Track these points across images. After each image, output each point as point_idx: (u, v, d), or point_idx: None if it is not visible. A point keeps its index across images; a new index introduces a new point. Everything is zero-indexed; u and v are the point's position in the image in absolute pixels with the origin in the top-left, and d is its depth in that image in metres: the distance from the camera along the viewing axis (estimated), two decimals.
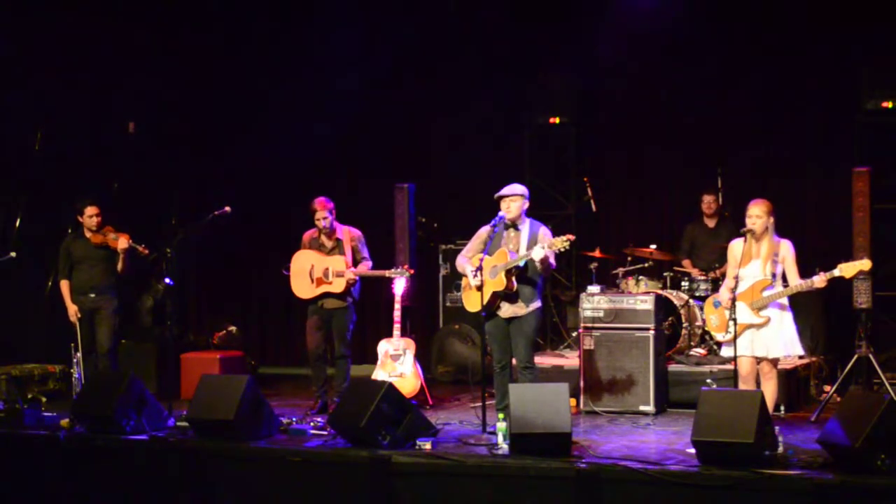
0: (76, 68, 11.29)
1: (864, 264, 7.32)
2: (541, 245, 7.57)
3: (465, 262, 7.96)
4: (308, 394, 9.34)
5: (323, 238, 9.01)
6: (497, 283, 7.73)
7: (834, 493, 6.15)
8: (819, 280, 7.29)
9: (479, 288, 7.70)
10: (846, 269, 7.25)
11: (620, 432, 8.02)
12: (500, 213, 7.83)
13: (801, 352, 7.65)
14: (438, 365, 11.05)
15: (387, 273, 9.03)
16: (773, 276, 7.48)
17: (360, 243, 9.07)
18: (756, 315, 7.44)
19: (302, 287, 8.99)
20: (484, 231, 7.95)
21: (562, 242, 7.50)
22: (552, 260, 7.68)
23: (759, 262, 7.49)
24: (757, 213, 7.48)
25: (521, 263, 7.69)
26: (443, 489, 6.87)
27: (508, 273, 7.70)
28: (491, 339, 7.96)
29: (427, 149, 12.04)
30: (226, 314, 12.28)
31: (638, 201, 11.60)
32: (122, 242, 9.04)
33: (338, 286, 8.86)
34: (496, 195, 7.88)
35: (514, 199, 7.81)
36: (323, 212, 8.92)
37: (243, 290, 12.60)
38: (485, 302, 7.78)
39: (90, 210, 9.17)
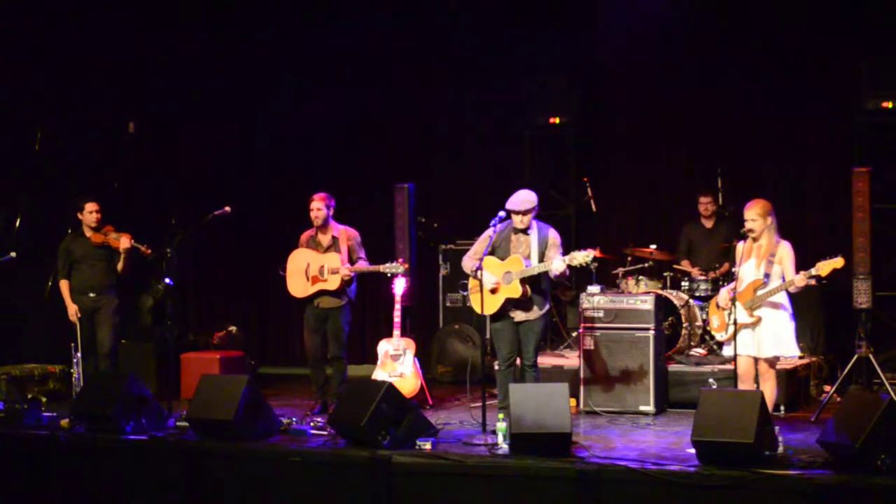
0: (76, 68, 11.29)
1: (837, 262, 7.25)
2: (561, 258, 7.60)
3: (474, 263, 7.92)
4: (308, 394, 9.33)
5: (319, 236, 8.99)
6: (512, 289, 7.74)
7: (834, 493, 6.15)
8: (799, 279, 7.26)
9: (493, 291, 7.70)
10: (822, 268, 7.22)
11: (620, 432, 8.03)
12: (500, 214, 7.82)
13: (795, 353, 7.61)
14: (438, 365, 11.05)
15: (381, 268, 8.96)
16: (767, 276, 7.43)
17: (357, 244, 9.04)
18: (748, 315, 7.43)
19: (297, 286, 8.96)
20: (486, 234, 7.93)
21: (584, 258, 7.55)
22: (568, 271, 7.72)
23: (754, 261, 7.49)
24: (752, 217, 7.46)
25: (537, 272, 7.71)
26: (443, 489, 6.87)
27: (523, 281, 7.71)
28: (499, 337, 7.96)
29: (427, 149, 12.05)
30: (226, 314, 12.28)
31: (638, 201, 11.59)
32: (125, 242, 9.05)
33: (333, 283, 8.83)
34: (511, 210, 7.80)
35: (529, 213, 7.80)
36: (319, 203, 8.90)
37: (243, 290, 12.60)
38: (497, 306, 7.80)
39: (90, 206, 9.17)
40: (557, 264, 7.58)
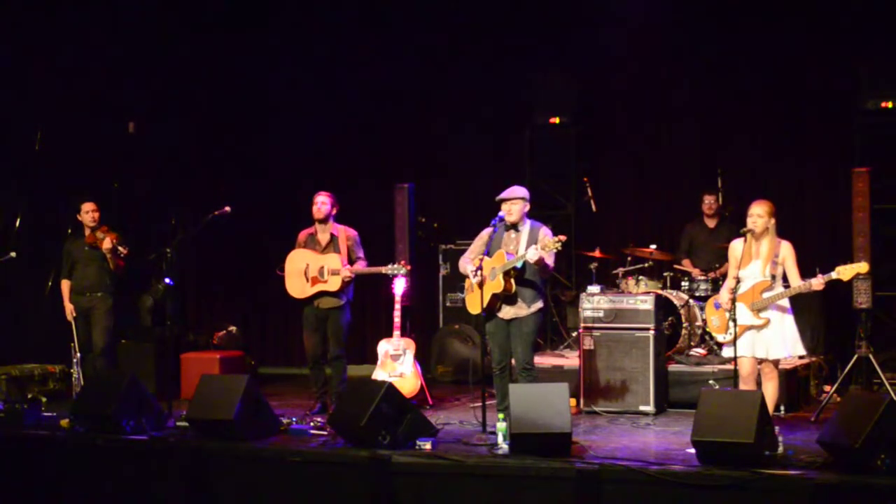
0: (76, 68, 11.29)
1: (861, 267, 7.29)
2: (534, 246, 7.58)
3: (468, 263, 7.97)
4: (308, 394, 9.33)
5: (318, 235, 8.99)
6: (495, 284, 7.73)
7: (834, 493, 6.14)
8: (817, 282, 7.27)
9: (480, 285, 7.72)
10: (843, 272, 7.22)
11: (620, 432, 8.03)
12: (500, 214, 7.84)
13: (802, 351, 7.63)
14: (438, 365, 11.05)
15: (383, 270, 8.97)
16: (773, 277, 7.46)
17: (356, 243, 9.03)
18: (756, 317, 7.43)
19: (297, 287, 8.95)
20: (485, 232, 7.98)
21: (553, 243, 7.48)
22: (548, 261, 7.68)
23: (759, 262, 7.48)
24: (759, 213, 7.47)
25: (519, 265, 7.69)
26: (443, 489, 6.86)
27: (506, 275, 7.70)
28: (491, 340, 7.96)
29: (427, 149, 12.05)
30: (226, 314, 12.28)
31: (638, 201, 11.59)
32: (107, 242, 9.09)
33: (333, 284, 8.83)
34: (497, 198, 7.88)
35: (515, 202, 7.81)
36: (324, 197, 8.91)
37: (243, 289, 12.60)
38: (484, 303, 7.78)
39: (86, 206, 9.22)
40: (531, 253, 7.55)
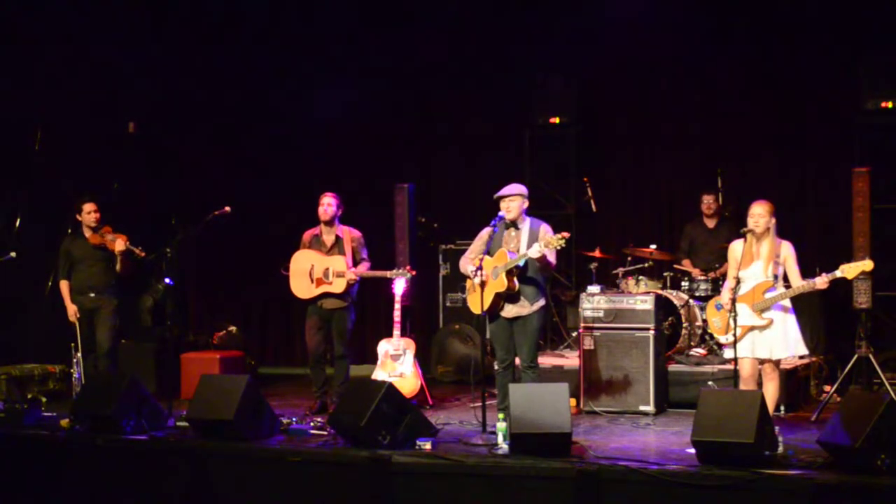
0: (76, 68, 11.29)
1: (866, 265, 7.29)
2: (538, 243, 7.59)
3: (468, 263, 7.97)
4: (308, 394, 9.34)
5: (324, 236, 9.01)
6: (498, 283, 7.74)
7: (834, 493, 6.15)
8: (821, 281, 7.27)
9: (482, 285, 7.73)
10: (848, 270, 7.22)
11: (620, 432, 8.03)
12: (500, 213, 7.85)
13: (805, 351, 7.62)
14: (438, 365, 11.05)
15: (388, 274, 9.04)
16: (775, 277, 7.46)
17: (360, 245, 9.07)
18: (758, 317, 7.42)
19: (301, 287, 8.98)
20: (485, 232, 7.98)
21: (557, 241, 7.50)
22: (551, 258, 7.69)
23: (761, 263, 7.48)
24: (760, 213, 7.47)
25: (521, 263, 7.70)
26: (443, 489, 6.87)
27: (509, 273, 7.71)
28: (494, 339, 7.96)
29: (427, 149, 12.05)
30: (226, 314, 12.28)
31: (638, 201, 11.60)
32: (119, 244, 9.04)
33: (338, 286, 8.86)
34: (495, 196, 7.88)
35: (513, 199, 7.82)
36: (330, 198, 8.93)
37: (243, 289, 12.60)
38: (487, 303, 7.79)
39: (87, 207, 9.18)
40: (534, 249, 7.57)
